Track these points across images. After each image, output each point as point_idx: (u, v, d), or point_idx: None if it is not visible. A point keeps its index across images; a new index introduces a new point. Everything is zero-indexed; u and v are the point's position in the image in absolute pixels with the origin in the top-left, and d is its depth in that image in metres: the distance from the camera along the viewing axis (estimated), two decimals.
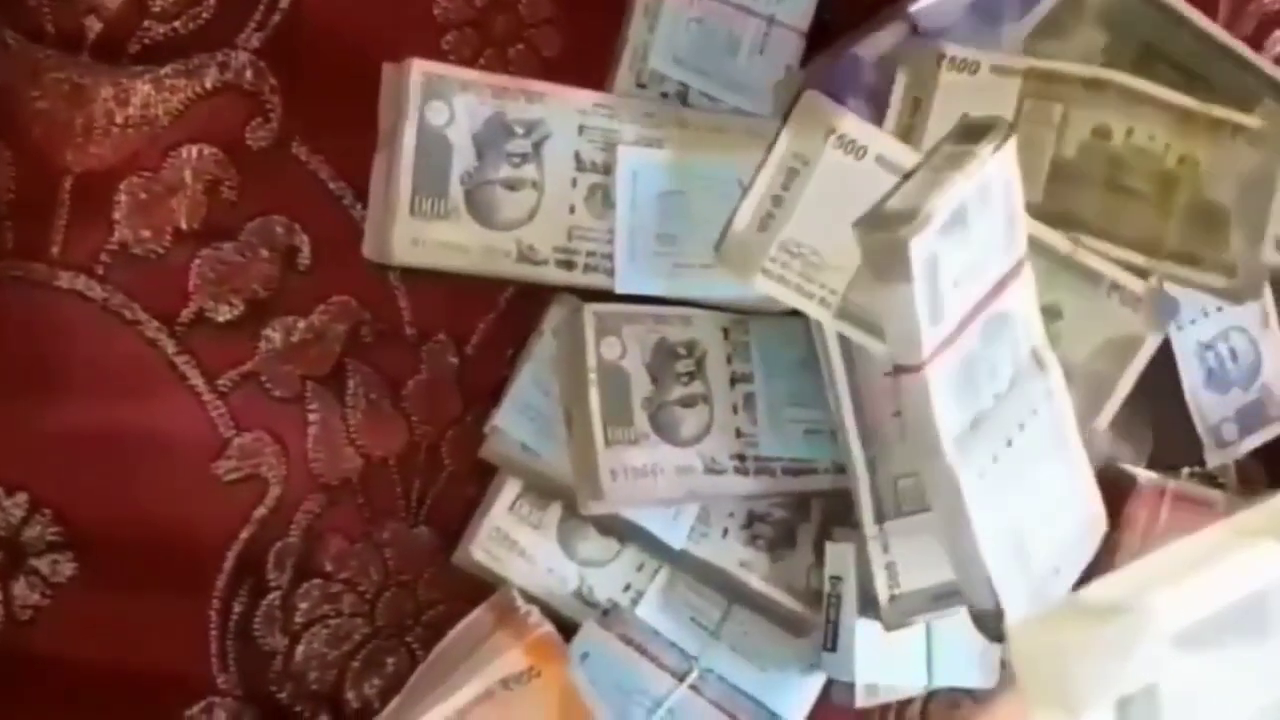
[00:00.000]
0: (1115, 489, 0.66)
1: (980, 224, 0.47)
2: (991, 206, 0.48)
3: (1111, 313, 0.57)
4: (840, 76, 0.57)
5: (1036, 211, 0.54)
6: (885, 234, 0.45)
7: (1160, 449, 0.69)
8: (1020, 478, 0.50)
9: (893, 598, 0.58)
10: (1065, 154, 0.55)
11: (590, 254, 0.57)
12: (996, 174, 0.48)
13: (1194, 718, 0.35)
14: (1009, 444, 0.49)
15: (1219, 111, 0.57)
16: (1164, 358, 0.65)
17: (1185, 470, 0.71)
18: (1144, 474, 0.67)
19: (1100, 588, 0.36)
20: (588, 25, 0.59)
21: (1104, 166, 0.56)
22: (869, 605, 0.60)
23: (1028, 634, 0.35)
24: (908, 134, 0.57)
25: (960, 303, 0.47)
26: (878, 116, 0.56)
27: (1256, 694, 0.36)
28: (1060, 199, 0.56)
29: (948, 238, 0.45)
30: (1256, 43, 0.65)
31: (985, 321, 0.48)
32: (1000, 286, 0.49)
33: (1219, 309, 0.66)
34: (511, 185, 0.56)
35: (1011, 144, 0.48)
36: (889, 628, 0.59)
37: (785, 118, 0.54)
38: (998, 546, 0.50)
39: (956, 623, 0.64)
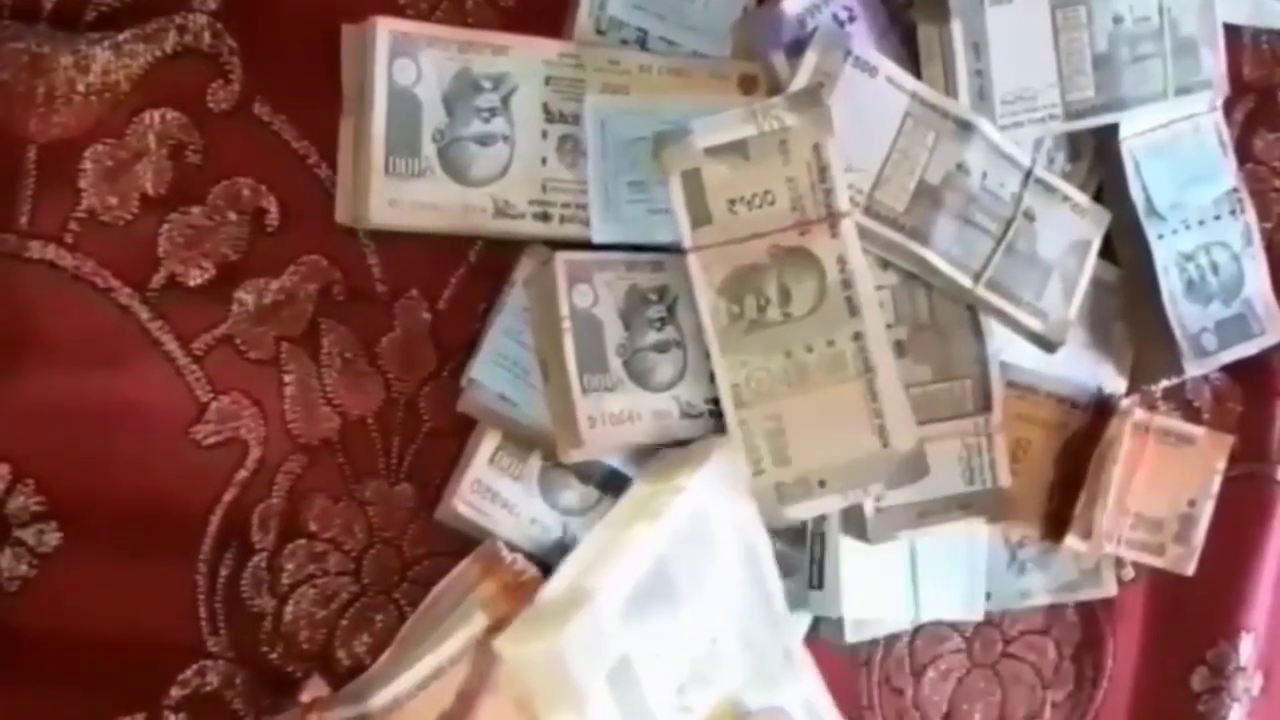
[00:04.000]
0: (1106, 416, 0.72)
1: (766, 163, 0.60)
2: (790, 156, 0.60)
3: (1069, 218, 0.68)
4: (763, 29, 0.62)
5: (897, 221, 0.64)
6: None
7: (1141, 363, 0.74)
8: (793, 386, 0.61)
9: (879, 510, 0.64)
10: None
11: (565, 205, 0.61)
12: (799, 130, 0.60)
13: (657, 671, 0.44)
14: (787, 354, 0.61)
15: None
16: (1148, 274, 0.70)
17: (1162, 385, 0.76)
18: (1136, 409, 0.72)
19: (553, 585, 0.46)
20: None
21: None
22: (853, 523, 0.65)
23: (518, 649, 0.41)
24: None
25: (739, 221, 0.60)
26: (793, 71, 0.62)
27: (690, 643, 0.47)
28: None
29: (717, 160, 0.59)
30: None
31: (774, 247, 0.61)
32: (802, 227, 0.61)
33: (1201, 222, 0.72)
34: (483, 140, 0.59)
35: (821, 114, 0.60)
36: (874, 541, 0.64)
37: (796, 48, 0.62)
38: (754, 428, 0.61)
39: (941, 556, 0.69)
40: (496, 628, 0.58)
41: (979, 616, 0.72)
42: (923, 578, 0.69)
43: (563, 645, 0.42)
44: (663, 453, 0.60)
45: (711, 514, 0.51)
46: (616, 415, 0.60)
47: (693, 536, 0.49)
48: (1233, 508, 0.76)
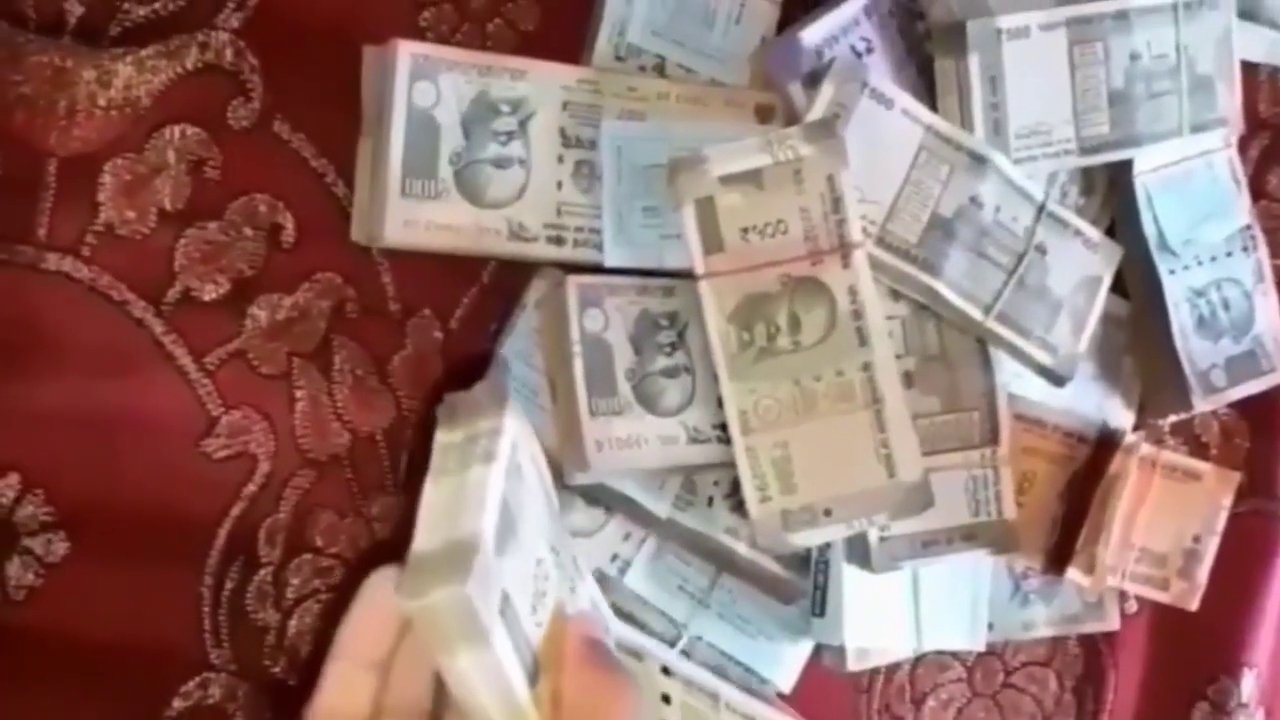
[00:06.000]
0: (1110, 450, 0.73)
1: (780, 193, 0.62)
2: (804, 186, 0.62)
3: (1080, 253, 0.69)
4: (781, 59, 0.64)
5: (909, 253, 0.65)
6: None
7: (1150, 398, 0.75)
8: (801, 414, 0.63)
9: (883, 539, 0.65)
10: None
11: (579, 229, 0.62)
12: (814, 161, 0.61)
13: (521, 598, 0.49)
14: (796, 383, 0.62)
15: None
16: (1159, 309, 0.71)
17: (1170, 421, 0.77)
18: (1143, 443, 0.73)
19: (422, 540, 0.49)
20: None
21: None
22: (856, 552, 0.66)
23: (426, 599, 0.46)
24: None
25: (751, 249, 0.62)
26: (810, 101, 0.64)
27: (529, 566, 0.51)
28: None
29: (732, 189, 0.61)
30: None
31: (785, 276, 0.62)
32: (815, 257, 0.62)
33: (1213, 259, 0.73)
34: (499, 164, 0.61)
35: (836, 146, 0.62)
36: (878, 570, 0.65)
37: (813, 79, 0.64)
38: (761, 455, 0.62)
39: (944, 585, 0.70)
40: None
41: (981, 647, 0.73)
42: (925, 607, 0.70)
43: (470, 589, 0.45)
44: (449, 398, 0.60)
45: (518, 446, 0.55)
46: (624, 439, 0.62)
47: (514, 470, 0.53)
48: (1237, 544, 0.77)
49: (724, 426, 0.63)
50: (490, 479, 0.51)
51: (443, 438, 0.56)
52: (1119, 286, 0.72)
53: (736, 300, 0.62)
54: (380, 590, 0.49)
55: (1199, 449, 0.79)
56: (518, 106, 0.61)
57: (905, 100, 0.64)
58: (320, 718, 0.47)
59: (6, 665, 0.58)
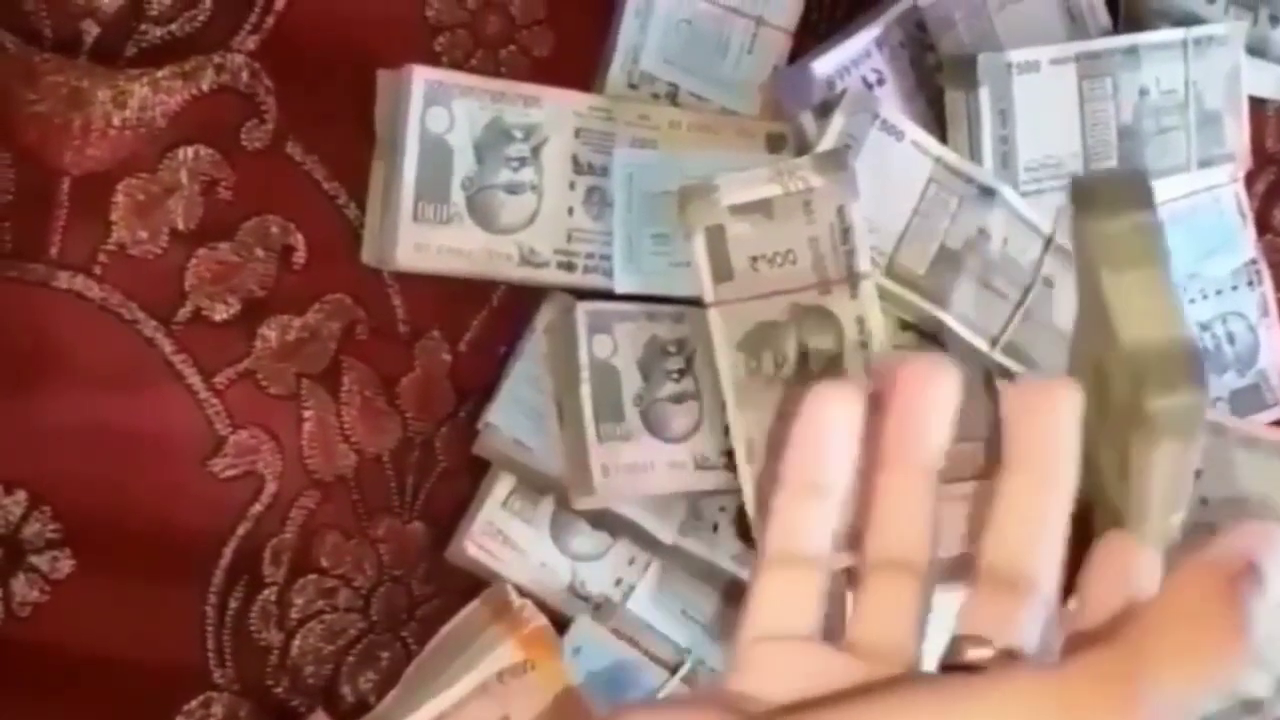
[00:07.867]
0: None
1: (790, 223, 0.61)
2: (814, 216, 0.61)
3: None
4: (792, 89, 0.64)
5: (917, 284, 0.65)
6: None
7: None
8: None
9: None
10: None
11: (589, 255, 0.62)
12: (824, 192, 0.61)
13: None
14: None
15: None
16: None
17: None
18: None
19: (1141, 328, 0.50)
20: (578, 26, 0.64)
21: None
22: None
23: (1170, 401, 0.49)
24: None
25: (760, 278, 0.61)
26: (820, 131, 0.64)
27: None
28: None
29: (741, 218, 0.60)
30: None
31: (794, 305, 0.62)
32: (823, 286, 0.62)
33: (1218, 292, 0.73)
34: (512, 189, 0.61)
35: (846, 178, 0.61)
36: None
37: (825, 109, 0.64)
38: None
39: (947, 615, 0.70)
40: (504, 677, 0.60)
41: None
42: (929, 636, 0.70)
43: (1204, 398, 0.48)
44: (1084, 181, 0.58)
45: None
46: (630, 465, 0.61)
47: None
48: None
49: (731, 453, 0.63)
50: (1169, 281, 0.52)
51: (1101, 226, 0.54)
52: None
53: (745, 328, 0.62)
54: (823, 405, 0.40)
55: None
56: (531, 133, 0.61)
57: (915, 132, 0.64)
58: (775, 560, 0.39)
59: (9, 681, 0.58)
